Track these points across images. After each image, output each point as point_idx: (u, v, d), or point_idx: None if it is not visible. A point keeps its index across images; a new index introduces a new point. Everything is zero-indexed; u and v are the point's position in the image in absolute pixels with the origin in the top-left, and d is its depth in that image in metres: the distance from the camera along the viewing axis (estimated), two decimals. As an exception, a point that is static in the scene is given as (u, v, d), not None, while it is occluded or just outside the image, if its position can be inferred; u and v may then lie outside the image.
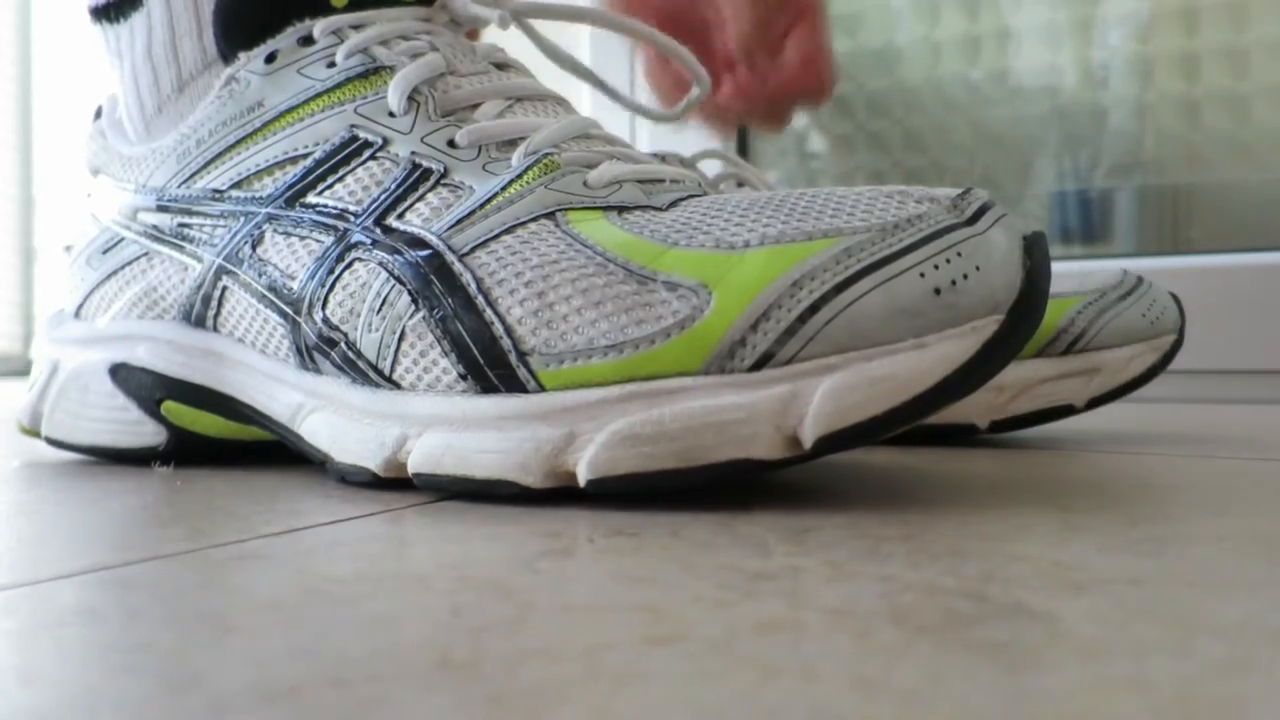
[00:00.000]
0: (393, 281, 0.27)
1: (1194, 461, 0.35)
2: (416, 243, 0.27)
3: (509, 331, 0.25)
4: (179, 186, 0.33)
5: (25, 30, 1.62)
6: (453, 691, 0.12)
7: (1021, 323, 0.24)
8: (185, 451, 0.34)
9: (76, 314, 0.36)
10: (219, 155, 0.32)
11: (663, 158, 0.32)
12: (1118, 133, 0.87)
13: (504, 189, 0.27)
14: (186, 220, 0.33)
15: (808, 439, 0.23)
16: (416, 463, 0.26)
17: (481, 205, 0.27)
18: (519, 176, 0.27)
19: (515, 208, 0.27)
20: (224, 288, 0.32)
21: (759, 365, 0.23)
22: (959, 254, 0.23)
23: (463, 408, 0.26)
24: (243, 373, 0.32)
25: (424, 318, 0.27)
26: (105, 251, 0.35)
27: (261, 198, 0.31)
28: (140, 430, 0.34)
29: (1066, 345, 0.41)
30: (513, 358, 0.25)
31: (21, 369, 1.57)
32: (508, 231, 0.26)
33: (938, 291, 0.23)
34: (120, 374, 0.34)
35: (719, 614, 0.16)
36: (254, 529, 0.23)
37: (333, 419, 0.29)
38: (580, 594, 0.17)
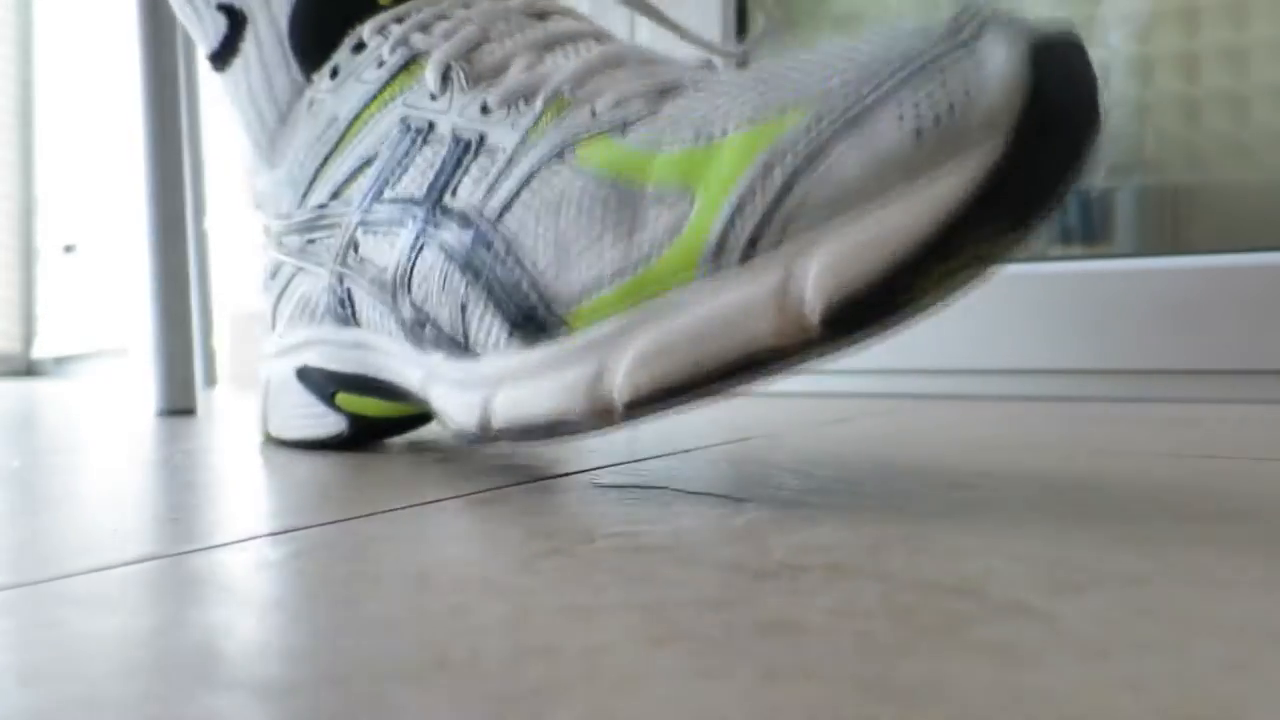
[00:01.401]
0: (449, 261, 0.29)
1: (1194, 461, 0.35)
2: (462, 219, 0.29)
3: (534, 284, 0.27)
4: (298, 208, 0.36)
5: (25, 30, 1.62)
6: (452, 691, 0.12)
7: (1036, 141, 0.21)
8: (362, 435, 0.38)
9: (274, 329, 0.40)
10: (317, 173, 0.35)
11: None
12: (1118, 133, 0.87)
13: (524, 140, 0.28)
14: (310, 236, 0.36)
15: (813, 315, 0.22)
16: (499, 420, 0.28)
17: (508, 164, 0.28)
18: (535, 123, 0.28)
19: (531, 157, 0.28)
20: (348, 289, 0.34)
21: (747, 256, 0.23)
22: (943, 85, 0.21)
23: (518, 362, 0.27)
24: (382, 357, 0.34)
25: (473, 286, 0.28)
26: (273, 277, 0.39)
27: (353, 204, 0.33)
28: (326, 421, 0.37)
29: None
30: (541, 309, 0.27)
31: (21, 369, 1.57)
32: (525, 185, 0.28)
33: (919, 134, 0.21)
34: (304, 376, 0.38)
35: (719, 614, 0.16)
36: (254, 530, 0.23)
37: (443, 390, 0.30)
38: (580, 594, 0.17)
